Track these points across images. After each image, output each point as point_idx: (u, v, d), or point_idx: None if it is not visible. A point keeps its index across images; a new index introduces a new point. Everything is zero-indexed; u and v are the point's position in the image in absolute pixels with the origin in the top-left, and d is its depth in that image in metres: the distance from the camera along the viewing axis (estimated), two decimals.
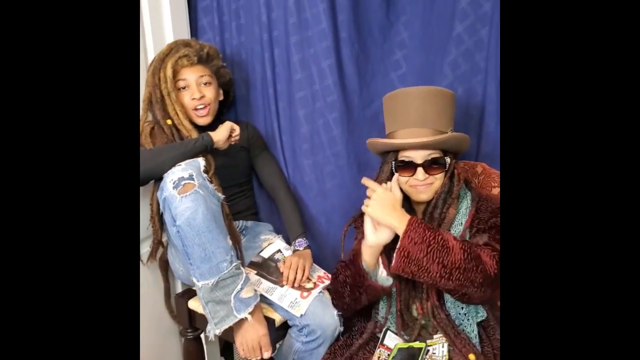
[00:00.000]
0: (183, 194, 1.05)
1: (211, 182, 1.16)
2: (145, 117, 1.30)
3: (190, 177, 1.08)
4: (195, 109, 1.31)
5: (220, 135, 1.25)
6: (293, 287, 1.22)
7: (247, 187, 1.47)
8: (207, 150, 1.22)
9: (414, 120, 1.03)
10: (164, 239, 1.32)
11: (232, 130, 1.28)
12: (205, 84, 1.32)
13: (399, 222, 0.96)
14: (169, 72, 1.25)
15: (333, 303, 1.18)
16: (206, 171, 1.15)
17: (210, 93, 1.33)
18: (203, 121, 1.33)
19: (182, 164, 1.12)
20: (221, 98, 1.40)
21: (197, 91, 1.30)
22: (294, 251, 1.32)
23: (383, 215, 0.97)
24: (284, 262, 1.27)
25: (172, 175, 1.09)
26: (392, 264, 0.97)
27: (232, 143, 1.30)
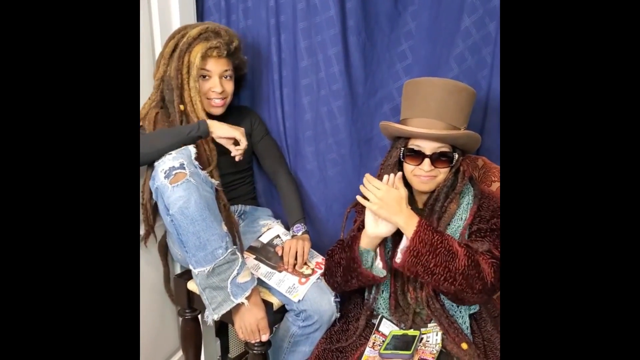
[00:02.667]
0: (175, 184, 1.05)
1: (205, 170, 1.16)
2: (155, 95, 1.27)
3: (182, 166, 1.08)
4: (210, 99, 1.30)
5: (222, 132, 1.20)
6: (292, 272, 1.24)
7: (247, 173, 1.48)
8: (202, 138, 1.21)
9: (433, 111, 1.03)
10: (158, 224, 1.32)
11: (238, 139, 1.21)
12: (227, 77, 1.32)
13: (407, 222, 0.96)
14: (198, 60, 1.23)
15: (325, 279, 1.19)
16: (197, 159, 1.15)
17: (229, 87, 1.33)
18: (216, 111, 1.32)
19: (173, 152, 1.12)
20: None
21: (219, 85, 1.28)
22: (292, 236, 1.33)
23: (390, 215, 0.97)
24: (283, 246, 1.28)
25: (163, 164, 1.08)
26: (399, 261, 0.97)
27: (231, 154, 1.23)
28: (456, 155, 1.05)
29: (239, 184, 1.44)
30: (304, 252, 1.25)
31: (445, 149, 1.03)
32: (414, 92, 1.07)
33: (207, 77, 1.28)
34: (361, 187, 1.00)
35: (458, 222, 1.05)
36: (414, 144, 1.04)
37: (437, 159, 1.03)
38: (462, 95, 1.03)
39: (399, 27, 1.36)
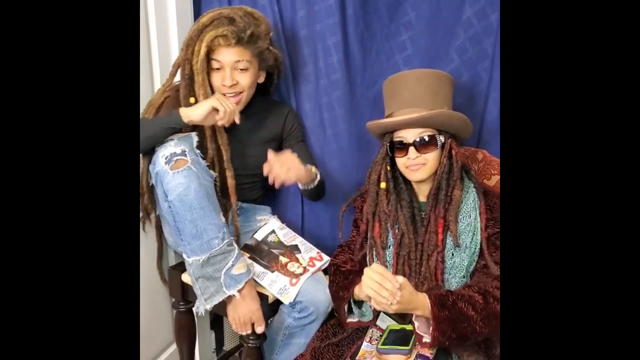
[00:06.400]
0: (175, 170, 1.04)
1: (204, 158, 1.13)
2: (170, 81, 1.20)
3: (183, 153, 1.06)
4: (225, 94, 1.18)
5: (195, 113, 1.08)
6: (284, 272, 1.19)
7: (262, 178, 1.29)
8: (179, 130, 1.12)
9: (406, 100, 1.04)
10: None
11: (214, 110, 1.08)
12: (242, 69, 1.18)
13: (422, 311, 0.91)
14: (204, 50, 1.12)
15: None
16: (199, 147, 1.12)
17: (245, 80, 1.18)
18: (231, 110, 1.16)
19: (175, 138, 1.09)
20: (260, 81, 1.26)
21: (229, 77, 1.16)
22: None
23: (405, 309, 0.91)
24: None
25: (164, 150, 1.06)
26: (429, 342, 0.92)
27: (218, 123, 1.11)
28: (442, 138, 1.04)
29: (247, 188, 1.35)
30: (296, 171, 1.11)
31: (428, 133, 1.03)
32: (388, 88, 1.09)
33: (219, 69, 1.17)
34: (371, 283, 0.88)
35: (467, 219, 1.03)
36: (398, 136, 1.05)
37: (420, 145, 1.02)
38: (431, 79, 1.04)
39: (398, 17, 1.34)
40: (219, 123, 1.10)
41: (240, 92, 1.20)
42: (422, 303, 0.91)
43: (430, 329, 0.91)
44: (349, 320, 1.06)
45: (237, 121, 1.12)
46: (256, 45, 1.18)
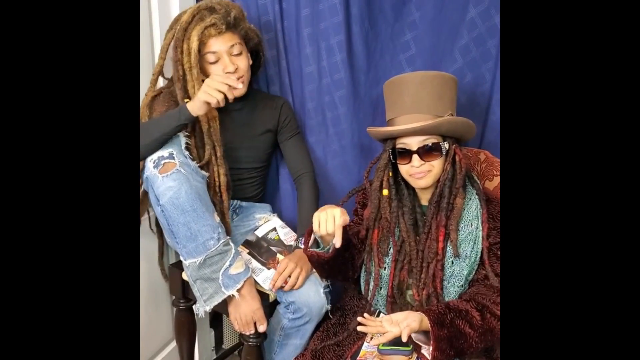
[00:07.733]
0: (164, 174, 1.03)
1: (193, 159, 1.12)
2: (150, 92, 1.20)
3: (171, 156, 1.05)
4: None
5: (197, 109, 1.07)
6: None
7: (260, 174, 1.36)
8: (188, 125, 1.12)
9: (409, 106, 1.01)
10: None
11: (207, 103, 1.07)
12: (237, 54, 1.19)
13: (419, 324, 0.90)
14: (195, 44, 1.11)
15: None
16: (187, 148, 1.11)
17: (242, 63, 1.20)
18: (237, 92, 1.16)
19: None
20: (250, 62, 1.27)
21: (230, 64, 1.16)
22: (296, 247, 1.25)
23: (417, 326, 0.91)
24: (279, 261, 1.20)
25: (152, 154, 1.06)
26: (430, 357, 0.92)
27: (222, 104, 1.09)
28: (446, 145, 1.02)
29: (247, 183, 1.35)
30: (298, 278, 1.14)
31: (432, 140, 1.00)
32: (390, 92, 1.06)
33: (216, 61, 1.17)
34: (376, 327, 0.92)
35: (468, 228, 1.02)
36: (401, 142, 1.02)
37: (425, 152, 1.00)
38: (435, 83, 1.00)
39: (403, 17, 1.33)
40: (222, 103, 1.08)
41: (242, 76, 1.20)
42: (419, 318, 0.90)
43: (431, 349, 0.90)
44: (310, 250, 1.02)
45: (238, 93, 1.13)
46: (241, 27, 1.21)
